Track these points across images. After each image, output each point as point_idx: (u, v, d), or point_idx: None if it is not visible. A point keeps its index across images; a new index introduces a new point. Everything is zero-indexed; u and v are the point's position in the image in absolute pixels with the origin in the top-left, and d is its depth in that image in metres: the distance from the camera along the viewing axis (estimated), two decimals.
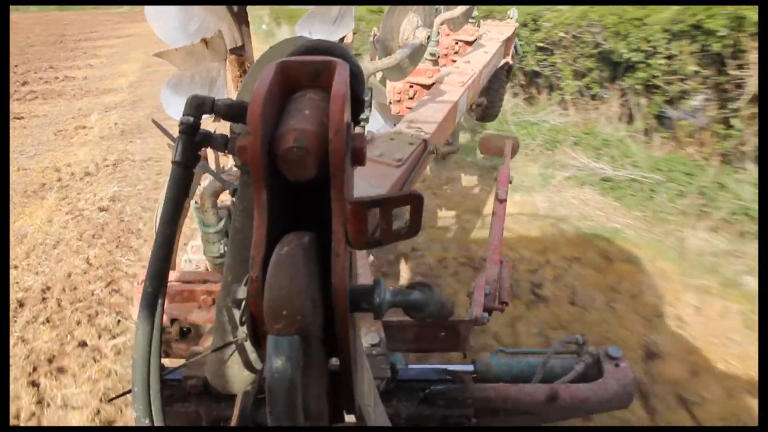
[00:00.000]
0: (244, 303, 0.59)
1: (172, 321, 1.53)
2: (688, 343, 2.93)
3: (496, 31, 3.40)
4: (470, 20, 3.30)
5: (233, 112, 0.68)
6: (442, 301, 0.67)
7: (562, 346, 1.49)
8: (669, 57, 4.75)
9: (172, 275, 1.52)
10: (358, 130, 1.66)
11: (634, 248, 3.84)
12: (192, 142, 0.71)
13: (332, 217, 0.55)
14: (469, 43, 3.17)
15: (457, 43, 3.25)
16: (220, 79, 1.66)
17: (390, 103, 2.73)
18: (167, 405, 1.22)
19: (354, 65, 0.67)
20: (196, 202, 1.73)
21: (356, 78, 0.67)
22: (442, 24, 2.87)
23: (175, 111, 1.66)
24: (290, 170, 0.53)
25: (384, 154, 1.74)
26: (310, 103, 0.57)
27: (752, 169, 4.39)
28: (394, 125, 2.15)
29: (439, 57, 2.92)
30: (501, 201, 2.32)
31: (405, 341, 1.57)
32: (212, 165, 2.36)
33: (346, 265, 0.54)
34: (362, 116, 1.79)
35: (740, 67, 4.38)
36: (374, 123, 2.38)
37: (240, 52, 1.78)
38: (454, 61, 2.99)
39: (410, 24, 2.30)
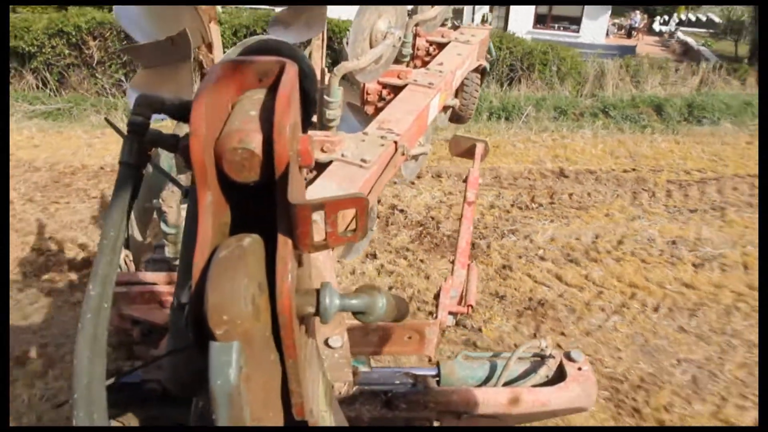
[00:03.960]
0: (187, 309, 0.58)
1: (135, 323, 1.49)
2: None
3: (469, 33, 3.36)
4: (444, 22, 3.30)
5: (183, 112, 0.66)
6: (393, 305, 0.66)
7: (526, 351, 1.51)
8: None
9: (133, 277, 1.52)
10: (333, 132, 1.45)
11: None
12: (141, 142, 0.69)
13: (277, 218, 0.55)
14: (443, 45, 3.12)
15: (430, 45, 3.18)
16: (185, 77, 1.62)
17: (362, 104, 2.69)
18: (124, 408, 1.20)
19: (306, 65, 0.67)
20: (161, 201, 1.67)
21: (307, 78, 0.67)
22: (416, 26, 2.85)
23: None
24: (235, 172, 0.53)
25: (353, 155, 1.76)
26: (257, 103, 0.57)
27: None
28: (365, 126, 2.13)
29: (412, 58, 2.90)
30: (470, 203, 2.32)
31: (371, 345, 1.57)
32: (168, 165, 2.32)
33: (290, 269, 0.53)
34: (331, 116, 1.57)
35: None
36: (346, 124, 2.35)
37: (209, 50, 1.75)
38: (427, 63, 3.00)
39: (382, 25, 2.28)
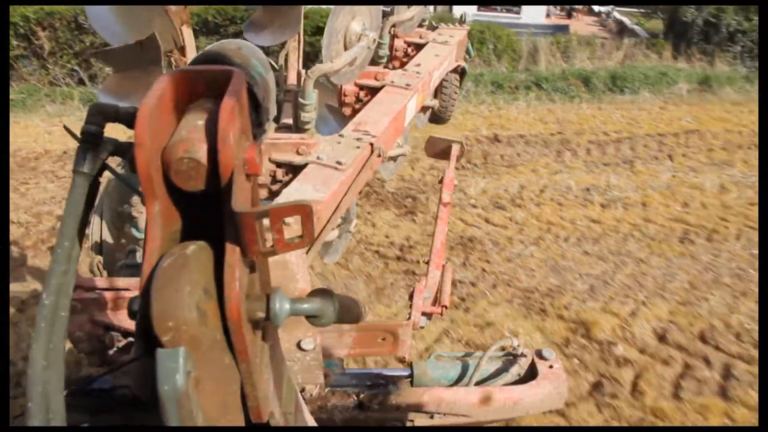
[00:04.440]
0: (138, 311, 0.58)
1: (107, 329, 1.49)
2: None
3: (447, 34, 3.41)
4: (422, 23, 3.35)
5: (128, 119, 0.68)
6: (346, 307, 0.69)
7: (497, 350, 1.53)
8: None
9: (106, 282, 1.50)
10: (308, 134, 1.55)
11: None
12: (95, 151, 0.69)
13: (225, 227, 0.56)
14: (421, 46, 3.17)
15: (408, 46, 3.23)
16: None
17: (340, 105, 2.74)
18: (95, 415, 1.19)
19: (256, 73, 0.69)
20: (131, 206, 1.66)
21: (258, 86, 0.67)
22: (393, 27, 2.91)
23: None
24: (182, 181, 0.54)
25: (329, 157, 1.77)
26: (204, 113, 0.57)
27: None
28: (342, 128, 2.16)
29: (389, 60, 2.96)
30: (445, 204, 2.37)
31: (344, 346, 1.59)
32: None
33: (238, 275, 0.54)
34: (306, 119, 1.63)
35: None
36: (326, 125, 2.41)
37: (181, 53, 1.75)
38: (404, 64, 3.02)
39: (356, 27, 2.30)
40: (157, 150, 0.55)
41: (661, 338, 3.76)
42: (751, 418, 3.05)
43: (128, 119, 0.71)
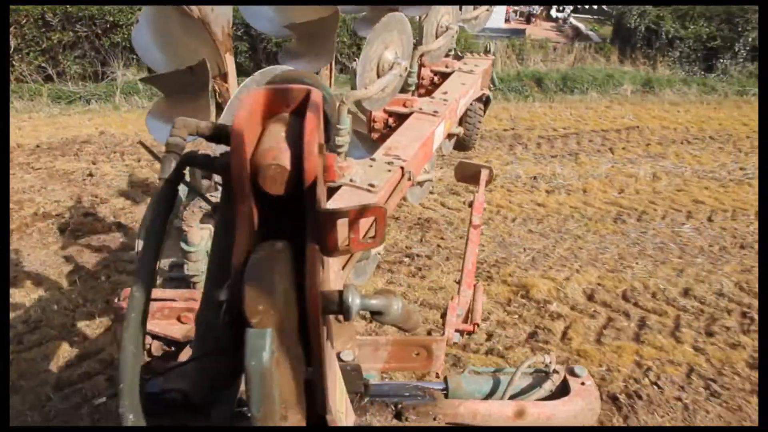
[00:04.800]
0: (224, 305, 0.64)
1: (154, 337, 1.49)
2: None
3: (472, 63, 3.63)
4: (448, 53, 3.56)
5: (217, 134, 0.76)
6: (408, 311, 0.76)
7: (530, 366, 1.55)
8: None
9: (157, 293, 1.51)
10: (342, 158, 1.63)
11: None
12: (178, 161, 0.77)
13: (307, 226, 0.63)
14: (447, 75, 3.34)
15: (435, 75, 3.41)
16: (203, 104, 1.72)
17: (369, 131, 2.90)
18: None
19: (326, 93, 0.75)
20: (182, 220, 1.73)
21: (327, 104, 0.74)
22: (421, 56, 3.05)
23: (159, 134, 1.74)
24: (269, 185, 0.62)
25: (361, 180, 1.80)
26: (286, 126, 0.65)
27: None
28: (373, 153, 2.25)
29: (417, 88, 3.11)
30: (475, 227, 2.43)
31: (380, 360, 1.62)
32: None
33: (318, 270, 0.61)
34: (340, 142, 1.69)
35: None
36: (353, 150, 2.46)
37: (224, 79, 1.84)
38: (431, 92, 3.16)
39: (389, 56, 2.41)
40: (248, 158, 0.62)
41: (590, 297, 4.37)
42: (658, 358, 3.67)
43: (208, 133, 0.80)
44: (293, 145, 0.63)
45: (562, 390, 1.50)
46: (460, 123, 3.55)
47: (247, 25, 10.13)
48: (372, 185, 1.75)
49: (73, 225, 5.46)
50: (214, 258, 0.84)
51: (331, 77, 2.62)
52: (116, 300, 1.59)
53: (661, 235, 5.56)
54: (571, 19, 28.44)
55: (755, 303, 4.33)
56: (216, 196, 1.77)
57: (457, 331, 1.79)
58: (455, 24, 2.88)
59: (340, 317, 0.83)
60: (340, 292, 0.68)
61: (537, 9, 30.56)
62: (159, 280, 1.86)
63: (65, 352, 3.58)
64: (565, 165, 7.46)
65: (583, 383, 1.50)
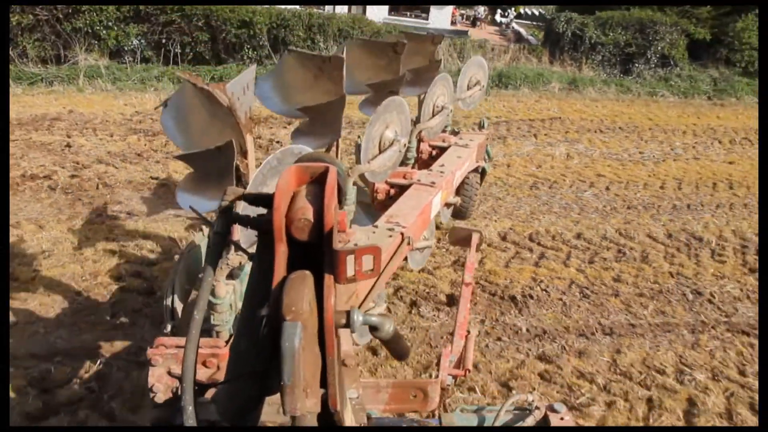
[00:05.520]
0: (265, 319, 0.90)
1: (180, 380, 1.53)
2: None
3: (468, 138, 3.94)
4: (444, 129, 3.96)
5: (257, 200, 1.03)
6: (399, 333, 1.02)
7: (513, 404, 1.72)
8: None
9: (183, 341, 1.63)
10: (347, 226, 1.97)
11: None
12: (229, 219, 1.04)
13: (324, 262, 0.88)
14: (444, 149, 3.62)
15: (433, 149, 3.71)
16: (228, 179, 1.93)
17: (372, 201, 3.11)
18: None
19: (340, 169, 1.00)
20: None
21: (341, 177, 1.00)
22: (419, 133, 3.34)
23: (186, 203, 1.99)
24: (298, 233, 0.87)
25: (365, 244, 1.89)
26: (311, 193, 0.92)
27: None
28: (375, 220, 2.36)
29: (416, 161, 3.42)
30: (467, 285, 2.65)
31: (380, 401, 1.79)
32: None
33: (332, 293, 0.87)
34: (347, 209, 2.21)
35: None
36: (357, 219, 2.70)
37: (244, 156, 2.03)
38: (429, 165, 3.34)
39: (390, 134, 2.64)
40: (283, 214, 0.86)
41: (503, 238, 5.54)
42: (549, 276, 4.83)
43: (251, 200, 1.04)
44: (315, 205, 0.88)
45: (544, 424, 1.71)
46: (457, 193, 3.87)
47: (207, 16, 10.97)
48: (380, 251, 1.97)
49: (62, 185, 6.17)
50: (250, 294, 1.06)
51: (338, 151, 2.88)
52: (148, 348, 1.76)
53: (567, 198, 6.84)
54: (514, 24, 30.25)
55: (630, 243, 5.62)
56: (230, 257, 2.01)
57: (449, 375, 1.95)
58: (450, 103, 3.23)
59: (350, 362, 1.29)
60: (348, 311, 0.92)
61: (481, 13, 32.26)
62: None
63: (79, 270, 4.39)
64: (494, 146, 8.68)
65: (562, 418, 1.68)
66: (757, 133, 10.87)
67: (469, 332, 2.20)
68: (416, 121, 3.32)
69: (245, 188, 1.72)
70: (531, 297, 4.45)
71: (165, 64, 12.07)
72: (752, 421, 3.27)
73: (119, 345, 3.53)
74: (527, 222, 5.99)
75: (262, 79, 2.72)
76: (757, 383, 3.60)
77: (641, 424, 3.19)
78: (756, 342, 4.09)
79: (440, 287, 4.44)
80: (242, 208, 1.08)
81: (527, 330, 4.03)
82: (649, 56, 14.56)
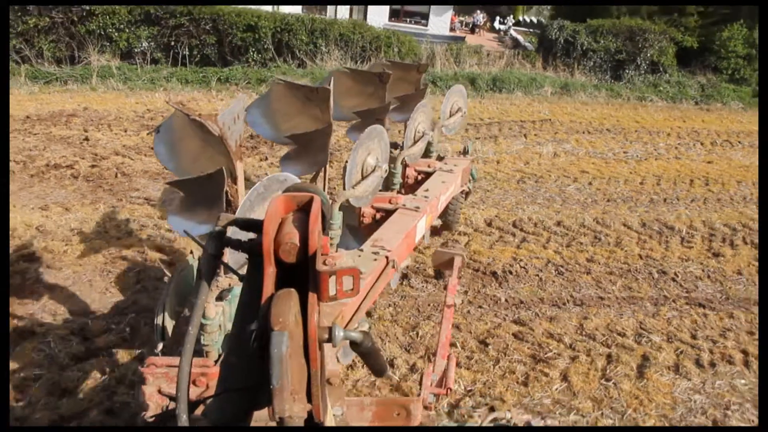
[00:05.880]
0: (255, 330, 0.98)
1: (172, 399, 1.67)
2: None
3: (452, 163, 4.09)
4: (430, 153, 4.14)
5: (247, 225, 1.13)
6: (377, 348, 1.12)
7: (492, 421, 1.80)
8: None
9: (173, 361, 1.79)
10: (333, 250, 2.14)
11: None
12: (221, 243, 1.13)
13: (309, 281, 0.97)
14: (429, 174, 3.79)
15: (418, 174, 3.87)
16: (218, 204, 2.03)
17: (359, 224, 3.20)
18: None
19: (324, 198, 1.10)
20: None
21: (325, 206, 1.10)
22: (402, 159, 3.48)
23: (178, 227, 2.12)
24: (285, 256, 0.97)
25: (345, 266, 1.72)
26: (297, 219, 1.02)
27: None
28: (362, 243, 2.46)
29: (401, 186, 3.54)
30: (449, 306, 2.71)
31: (365, 420, 1.85)
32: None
33: (315, 310, 0.96)
34: (332, 235, 2.50)
35: None
36: (345, 241, 2.83)
37: (233, 182, 2.10)
38: (415, 189, 3.48)
39: (371, 160, 2.74)
40: (272, 238, 0.97)
41: (489, 224, 6.05)
42: (529, 256, 5.34)
43: (242, 225, 1.14)
44: (301, 231, 0.98)
45: None
46: (442, 215, 4.05)
47: (215, 20, 11.65)
48: (360, 272, 1.97)
49: (83, 173, 6.69)
50: (241, 312, 1.11)
51: (325, 176, 3.03)
52: (140, 367, 1.87)
53: (551, 191, 7.36)
54: (512, 32, 30.88)
55: (606, 230, 6.14)
56: (220, 279, 2.17)
57: (431, 393, 2.03)
58: (430, 130, 3.42)
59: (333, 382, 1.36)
60: (330, 327, 1.01)
61: (480, 20, 32.90)
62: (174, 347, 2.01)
63: (105, 245, 4.90)
64: (485, 144, 9.24)
65: None
66: (738, 136, 11.42)
67: (450, 354, 2.23)
68: (400, 147, 3.48)
69: (235, 212, 1.89)
70: (511, 273, 4.96)
71: (173, 65, 12.63)
72: (695, 372, 3.77)
73: (145, 304, 4.03)
74: (512, 211, 6.51)
75: (253, 105, 2.88)
76: (706, 345, 4.10)
77: (599, 374, 3.69)
78: (708, 312, 4.60)
79: (428, 263, 4.95)
80: (232, 233, 1.17)
81: (506, 300, 4.54)
82: (639, 63, 15.15)
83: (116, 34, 12.41)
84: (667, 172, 8.66)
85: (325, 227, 1.13)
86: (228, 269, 1.32)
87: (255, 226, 1.10)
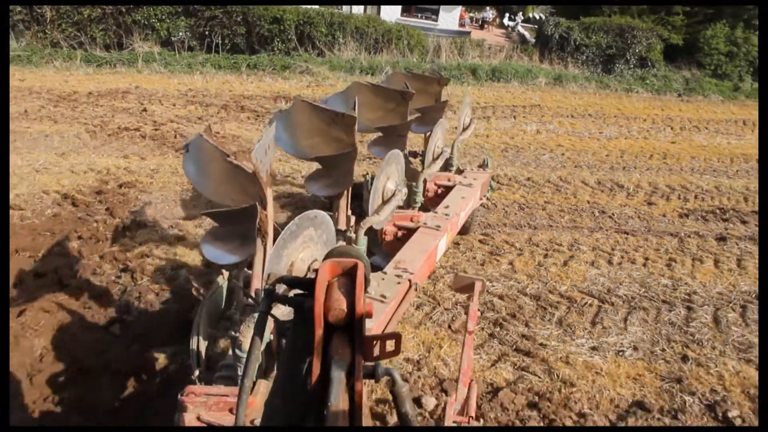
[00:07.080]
0: (307, 371, 1.10)
1: (211, 427, 1.81)
2: None
3: (471, 177, 4.15)
4: (450, 167, 4.39)
5: (299, 284, 1.21)
6: (410, 393, 1.80)
7: None
8: None
9: (212, 390, 1.94)
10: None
11: None
12: (271, 299, 1.23)
13: (355, 345, 1.06)
14: (449, 188, 3.85)
15: (438, 188, 3.99)
16: (251, 236, 2.15)
17: (380, 242, 3.27)
18: None
19: (365, 261, 1.17)
20: (239, 333, 2.10)
21: (366, 269, 1.16)
22: (423, 178, 3.64)
23: (212, 255, 2.27)
24: (334, 319, 1.06)
25: (375, 292, 2.11)
26: (343, 285, 1.11)
27: None
28: (384, 260, 2.56)
29: (422, 202, 3.70)
30: (470, 333, 2.71)
31: None
32: None
33: (361, 369, 1.05)
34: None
35: None
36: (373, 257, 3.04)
37: (263, 208, 2.17)
38: (437, 202, 3.53)
39: (390, 185, 2.84)
40: (322, 303, 1.06)
41: None
42: (500, 198, 6.95)
43: (292, 282, 1.27)
44: (348, 296, 1.09)
45: None
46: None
47: (245, 13, 13.60)
48: (384, 296, 2.07)
49: (149, 135, 8.40)
50: (289, 355, 1.21)
51: (349, 196, 3.03)
52: (179, 395, 1.93)
53: (528, 158, 8.97)
54: (519, 28, 32.34)
55: (566, 185, 7.74)
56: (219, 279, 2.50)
57: (454, 422, 2.11)
58: (447, 147, 3.71)
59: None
60: (374, 364, 1.13)
61: (489, 16, 34.39)
62: (212, 377, 2.20)
63: (179, 180, 6.59)
64: (479, 123, 10.84)
65: None
66: (708, 123, 12.94)
67: (471, 381, 2.31)
68: (423, 159, 3.74)
69: (264, 236, 2.11)
70: (483, 207, 6.58)
71: (207, 52, 14.37)
72: (605, 266, 5.38)
73: None
74: (493, 170, 8.11)
75: (276, 119, 2.77)
76: (618, 254, 5.70)
77: (536, 262, 5.30)
78: (629, 237, 6.20)
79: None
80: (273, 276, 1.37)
81: (477, 224, 6.16)
82: (628, 57, 16.65)
83: (158, 24, 14.17)
84: (632, 148, 10.22)
85: (367, 288, 1.21)
86: (276, 321, 1.50)
87: (301, 284, 1.23)
